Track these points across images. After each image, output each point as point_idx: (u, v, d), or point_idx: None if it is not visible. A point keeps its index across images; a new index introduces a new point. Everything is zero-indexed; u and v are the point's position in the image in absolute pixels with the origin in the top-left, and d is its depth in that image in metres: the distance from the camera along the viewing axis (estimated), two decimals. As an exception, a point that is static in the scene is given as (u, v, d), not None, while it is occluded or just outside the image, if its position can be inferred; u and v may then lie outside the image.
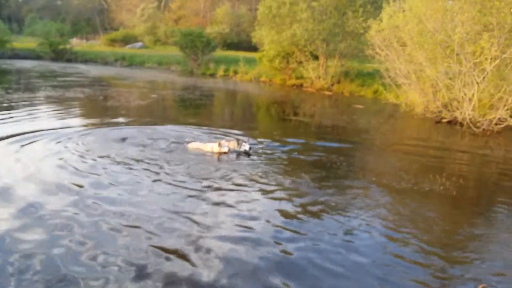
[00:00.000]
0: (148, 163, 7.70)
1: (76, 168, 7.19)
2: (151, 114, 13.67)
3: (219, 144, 8.39)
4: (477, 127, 12.89)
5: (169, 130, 10.69)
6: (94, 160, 7.73)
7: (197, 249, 4.74)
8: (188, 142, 9.12)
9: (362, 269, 4.56)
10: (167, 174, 7.21)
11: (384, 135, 12.69)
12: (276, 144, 9.82)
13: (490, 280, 4.42)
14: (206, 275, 4.24)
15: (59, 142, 8.90)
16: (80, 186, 6.42)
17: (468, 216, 6.49)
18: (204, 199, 6.21)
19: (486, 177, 8.73)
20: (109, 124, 11.23)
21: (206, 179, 7.09)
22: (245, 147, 8.38)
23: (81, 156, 7.89)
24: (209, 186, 6.75)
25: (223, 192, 6.58)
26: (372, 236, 5.38)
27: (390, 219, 6.00)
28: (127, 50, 41.89)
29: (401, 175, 7.91)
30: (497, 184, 8.32)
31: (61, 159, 7.67)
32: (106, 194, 6.17)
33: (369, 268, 4.61)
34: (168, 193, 6.40)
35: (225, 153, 8.38)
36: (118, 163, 7.65)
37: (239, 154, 8.41)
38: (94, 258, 4.41)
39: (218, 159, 8.14)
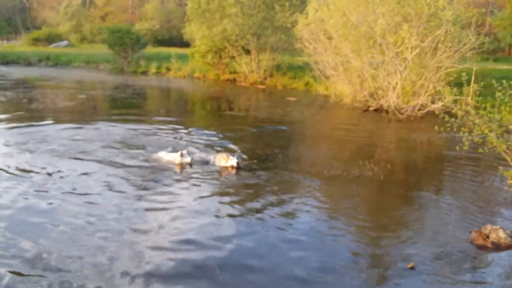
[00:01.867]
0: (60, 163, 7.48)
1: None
2: (79, 115, 13.18)
3: (181, 154, 7.72)
4: (402, 114, 13.58)
5: (93, 129, 10.42)
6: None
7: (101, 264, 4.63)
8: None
9: (293, 263, 4.69)
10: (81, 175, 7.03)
11: (316, 126, 13.06)
12: (213, 138, 9.86)
13: (418, 259, 4.69)
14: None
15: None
16: None
17: (396, 199, 6.85)
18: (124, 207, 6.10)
19: (412, 161, 9.26)
20: (28, 126, 10.79)
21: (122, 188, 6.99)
22: (232, 161, 7.65)
23: None
24: (131, 192, 6.63)
25: (150, 196, 6.49)
26: (305, 225, 5.57)
27: (321, 207, 6.23)
28: (51, 49, 39.81)
29: (332, 163, 8.21)
30: (423, 167, 8.86)
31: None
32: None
33: (304, 258, 4.77)
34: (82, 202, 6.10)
35: (188, 164, 7.70)
36: (28, 167, 7.38)
37: (225, 169, 7.64)
38: None
39: (181, 171, 7.49)
